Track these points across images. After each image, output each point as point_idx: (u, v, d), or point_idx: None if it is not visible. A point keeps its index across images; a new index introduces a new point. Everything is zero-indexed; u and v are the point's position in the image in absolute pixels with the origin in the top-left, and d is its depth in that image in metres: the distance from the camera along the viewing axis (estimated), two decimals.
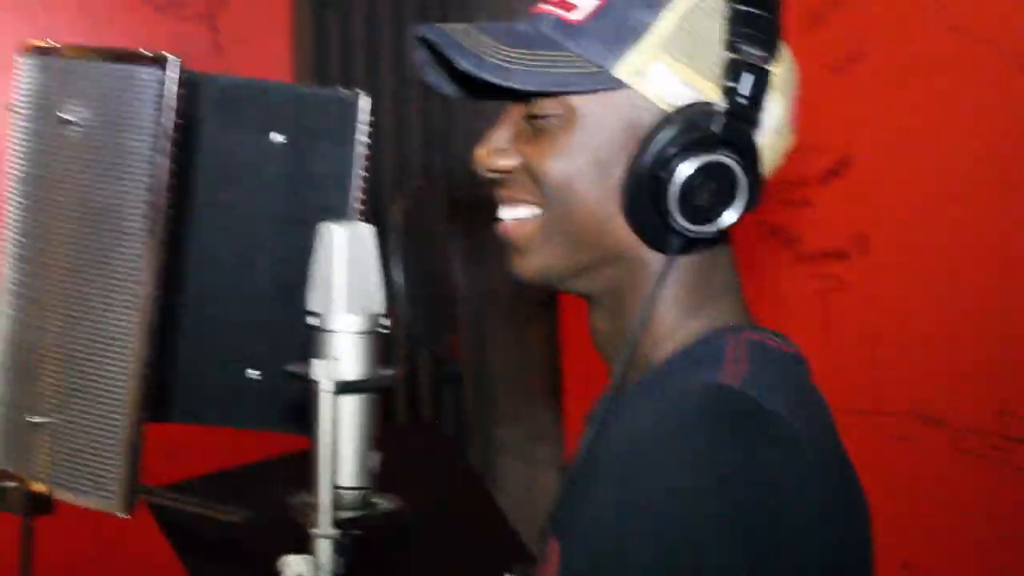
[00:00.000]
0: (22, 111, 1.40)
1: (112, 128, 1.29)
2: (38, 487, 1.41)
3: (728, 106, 1.14)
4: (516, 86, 1.16)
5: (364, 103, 1.46)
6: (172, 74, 1.26)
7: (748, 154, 1.16)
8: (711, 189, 1.14)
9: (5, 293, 1.44)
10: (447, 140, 3.85)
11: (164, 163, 1.27)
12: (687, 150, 1.14)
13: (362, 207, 1.48)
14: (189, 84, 1.29)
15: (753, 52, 1.14)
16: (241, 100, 1.45)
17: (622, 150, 1.17)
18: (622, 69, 1.16)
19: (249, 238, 1.48)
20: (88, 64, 1.32)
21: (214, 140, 1.44)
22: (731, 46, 1.15)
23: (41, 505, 1.46)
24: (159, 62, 1.27)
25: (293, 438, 1.53)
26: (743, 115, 1.15)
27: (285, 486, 1.14)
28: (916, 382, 2.74)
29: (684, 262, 1.20)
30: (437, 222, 1.43)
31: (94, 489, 1.33)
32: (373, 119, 1.48)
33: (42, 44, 1.38)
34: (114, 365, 1.31)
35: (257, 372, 1.50)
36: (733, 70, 1.14)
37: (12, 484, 1.43)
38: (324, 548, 1.09)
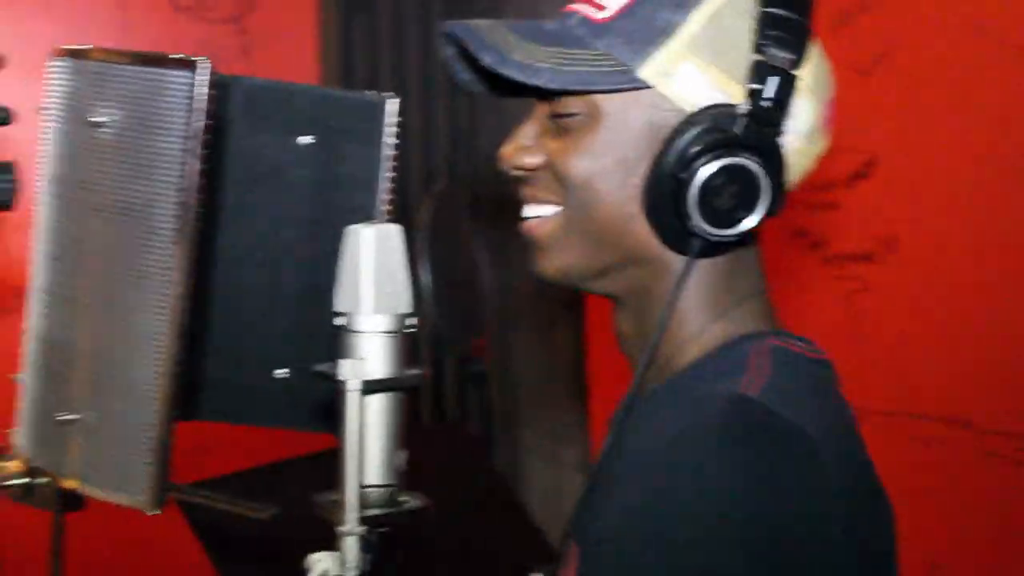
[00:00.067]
0: (54, 113, 1.42)
1: (142, 130, 1.30)
2: (69, 484, 1.42)
3: (751, 108, 1.13)
4: (539, 83, 1.16)
5: (392, 105, 1.47)
6: (202, 77, 1.27)
7: (771, 158, 1.15)
8: (732, 192, 1.14)
9: (37, 293, 1.45)
10: (473, 141, 3.86)
11: (194, 164, 1.28)
12: (708, 152, 1.13)
13: (389, 208, 1.49)
14: (218, 86, 1.30)
15: (780, 54, 1.13)
16: (269, 102, 1.45)
17: (646, 150, 1.16)
18: (647, 69, 1.15)
19: (277, 239, 1.48)
20: (119, 67, 1.33)
21: (242, 142, 1.44)
22: (757, 48, 1.14)
23: (72, 502, 1.47)
24: (189, 65, 1.27)
25: (320, 437, 1.54)
26: (766, 118, 1.14)
27: (312, 484, 1.15)
28: (943, 384, 2.73)
29: (708, 265, 1.20)
30: (463, 223, 1.43)
31: (125, 486, 1.34)
32: (400, 120, 1.48)
33: (74, 48, 1.39)
34: (145, 363, 1.31)
35: (285, 371, 1.51)
36: (758, 72, 1.13)
37: (43, 480, 1.44)
38: (351, 545, 1.10)
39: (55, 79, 1.41)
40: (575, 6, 1.21)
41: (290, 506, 1.40)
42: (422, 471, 1.18)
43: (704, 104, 1.15)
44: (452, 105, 3.83)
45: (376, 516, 1.11)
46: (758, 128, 1.14)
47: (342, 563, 1.10)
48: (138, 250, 1.31)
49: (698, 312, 1.21)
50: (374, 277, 1.11)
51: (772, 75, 1.13)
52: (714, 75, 1.15)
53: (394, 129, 1.48)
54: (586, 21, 1.19)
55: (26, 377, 1.48)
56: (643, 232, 1.18)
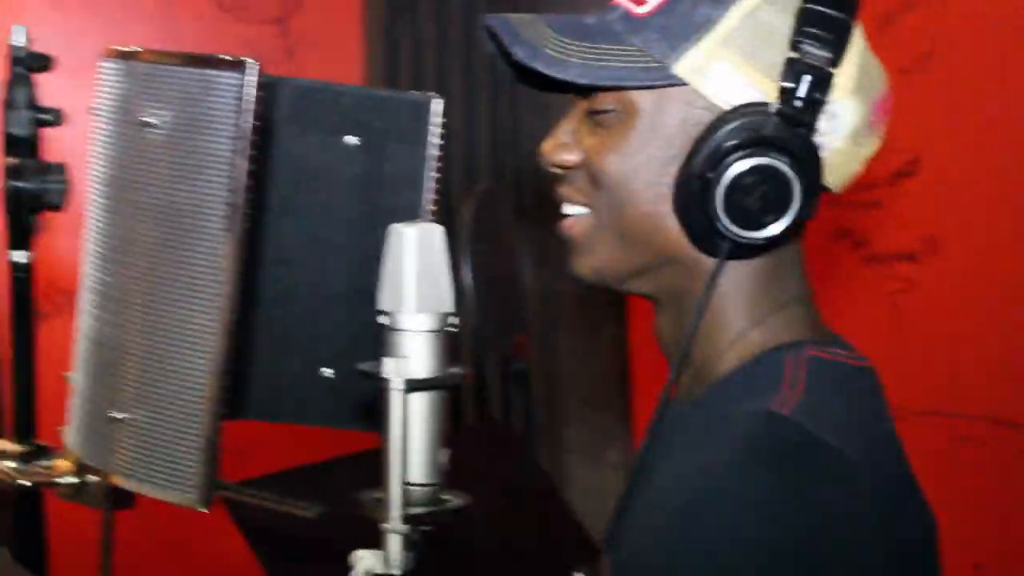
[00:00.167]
0: (104, 114, 1.43)
1: (192, 130, 1.31)
2: (119, 481, 1.44)
3: (780, 108, 1.10)
4: (569, 78, 1.14)
5: (436, 106, 1.47)
6: (251, 78, 1.28)
7: (804, 159, 1.12)
8: (761, 193, 1.11)
9: (87, 292, 1.47)
10: (516, 141, 3.87)
11: (243, 164, 1.29)
12: (736, 152, 1.11)
13: (433, 207, 1.50)
14: (266, 87, 1.31)
15: (816, 52, 1.10)
16: (316, 103, 1.46)
17: (679, 149, 1.14)
18: (682, 66, 1.13)
19: (323, 238, 1.49)
20: (169, 68, 1.34)
21: (289, 142, 1.45)
22: (794, 45, 1.11)
23: (122, 499, 1.49)
24: (238, 66, 1.29)
25: (361, 437, 1.55)
26: (798, 118, 1.11)
27: (355, 484, 1.15)
28: (988, 384, 2.72)
29: (745, 268, 1.17)
30: (505, 223, 1.44)
31: (174, 484, 1.35)
32: (444, 120, 1.49)
33: (124, 49, 1.40)
34: (194, 362, 1.32)
35: (330, 371, 1.52)
36: (791, 70, 1.10)
37: (94, 478, 1.45)
38: (394, 543, 1.10)
39: (105, 80, 1.42)
40: (618, 0, 1.19)
41: (334, 505, 1.41)
42: (464, 470, 1.19)
43: (738, 102, 1.13)
44: (494, 104, 3.83)
45: (419, 514, 1.11)
46: (790, 128, 1.11)
47: (385, 561, 1.10)
48: (187, 250, 1.32)
49: (736, 317, 1.19)
50: (417, 276, 1.11)
51: (806, 73, 1.10)
52: (749, 73, 1.12)
53: (439, 129, 1.48)
54: (626, 15, 1.17)
55: (76, 376, 1.49)
56: (675, 232, 1.16)
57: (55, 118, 1.58)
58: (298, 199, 1.47)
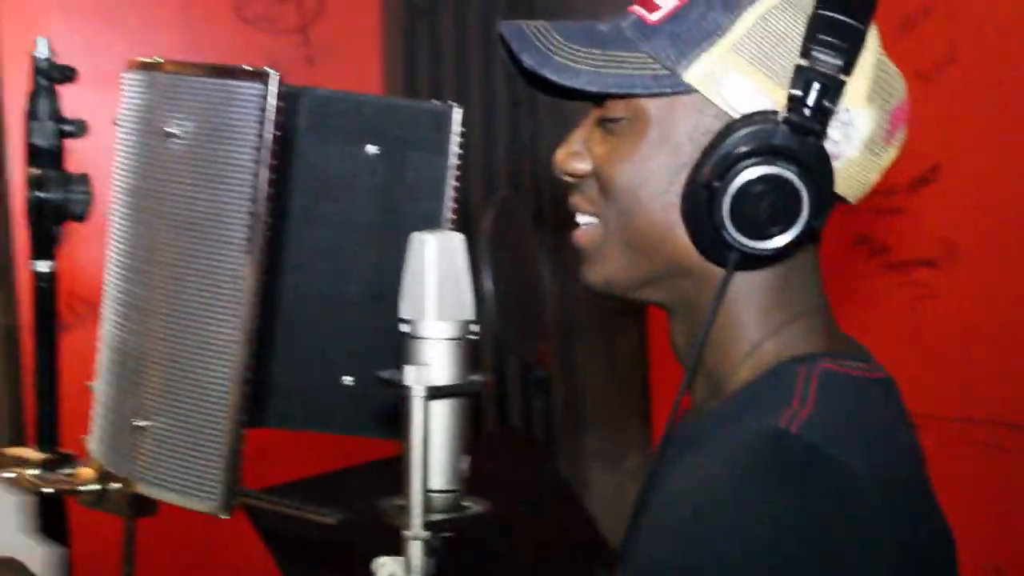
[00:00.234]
0: (127, 125, 1.44)
1: (214, 140, 1.32)
2: (141, 489, 1.44)
3: (788, 116, 1.08)
4: (577, 86, 1.14)
5: (456, 115, 1.48)
6: (272, 88, 1.29)
7: (813, 168, 1.09)
8: (768, 203, 1.09)
9: (110, 301, 1.48)
10: (534, 149, 3.88)
11: (265, 174, 1.30)
12: (742, 160, 1.09)
13: (453, 216, 1.50)
14: (287, 97, 1.32)
15: (827, 60, 1.08)
16: (337, 112, 1.47)
17: (688, 157, 1.13)
18: (691, 73, 1.12)
19: (344, 247, 1.49)
20: (191, 79, 1.35)
21: (310, 151, 1.46)
22: (805, 52, 1.09)
23: (144, 507, 1.49)
24: (260, 77, 1.30)
25: (377, 445, 1.56)
26: (806, 126, 1.08)
27: (374, 491, 1.16)
28: (1007, 390, 2.71)
29: (756, 278, 1.16)
30: (525, 230, 1.44)
31: (196, 491, 1.36)
32: (463, 129, 1.49)
33: (147, 60, 1.42)
34: (216, 370, 1.33)
35: (351, 378, 1.52)
36: (801, 78, 1.08)
37: (116, 486, 1.46)
38: (415, 550, 1.10)
39: (128, 91, 1.43)
40: (634, 7, 1.18)
41: (353, 512, 1.41)
42: (485, 477, 1.19)
43: (748, 110, 1.11)
44: (513, 112, 3.84)
45: (440, 521, 1.11)
46: (798, 137, 1.08)
47: (407, 567, 1.11)
48: (209, 259, 1.33)
49: (750, 328, 1.17)
50: (438, 284, 1.11)
51: (816, 81, 1.07)
52: (760, 80, 1.10)
53: (459, 138, 1.48)
54: (638, 23, 1.16)
55: (99, 385, 1.50)
56: (684, 241, 1.15)
57: (78, 129, 1.59)
58: (319, 208, 1.48)
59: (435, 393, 1.10)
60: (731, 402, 1.16)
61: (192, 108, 1.35)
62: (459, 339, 1.12)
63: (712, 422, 1.16)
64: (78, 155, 1.65)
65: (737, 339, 1.17)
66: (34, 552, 1.41)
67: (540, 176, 3.83)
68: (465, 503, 1.14)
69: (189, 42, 3.38)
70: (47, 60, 1.59)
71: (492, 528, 1.17)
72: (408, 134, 1.48)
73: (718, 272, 1.14)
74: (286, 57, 3.46)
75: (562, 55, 1.15)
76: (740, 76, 1.11)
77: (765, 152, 1.09)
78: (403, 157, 1.48)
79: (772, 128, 1.09)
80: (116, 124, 1.46)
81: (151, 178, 1.41)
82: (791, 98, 1.08)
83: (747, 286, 1.16)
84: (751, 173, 1.09)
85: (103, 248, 1.49)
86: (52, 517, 1.62)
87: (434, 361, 1.11)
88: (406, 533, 1.10)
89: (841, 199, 1.16)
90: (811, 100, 1.07)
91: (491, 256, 1.30)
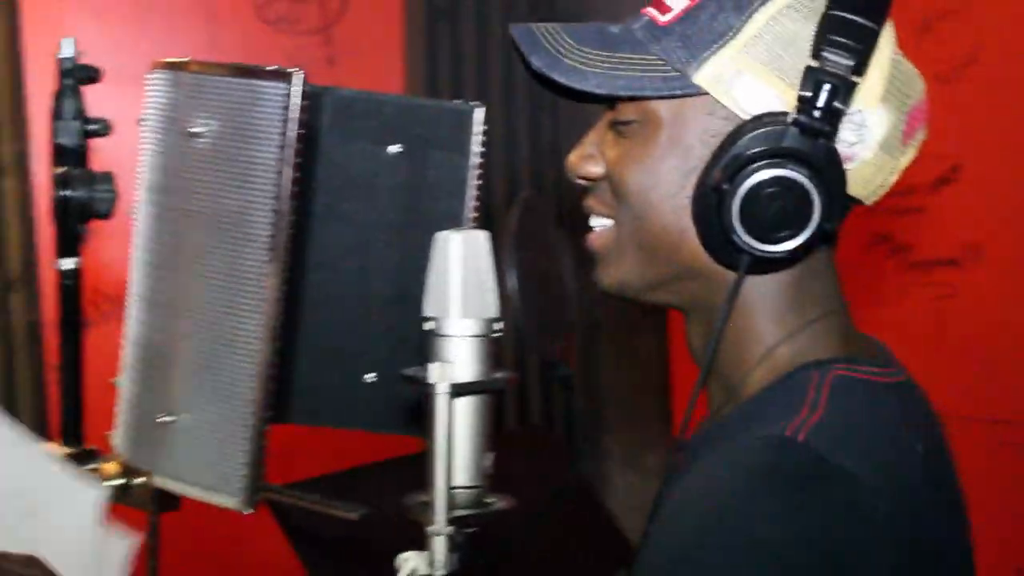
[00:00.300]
0: (152, 124, 1.45)
1: (238, 139, 1.33)
2: (165, 484, 1.45)
3: (797, 117, 1.06)
4: (587, 89, 1.13)
5: (479, 114, 1.48)
6: (297, 88, 1.30)
7: (824, 170, 1.07)
8: (778, 206, 1.07)
9: (135, 298, 1.49)
10: (556, 148, 3.88)
11: (289, 172, 1.31)
12: (752, 163, 1.07)
13: (475, 215, 1.50)
14: (311, 96, 1.33)
15: (838, 60, 1.06)
16: (359, 112, 1.47)
17: (699, 160, 1.12)
18: (702, 75, 1.10)
19: (366, 245, 1.50)
20: (216, 79, 1.36)
21: (333, 151, 1.46)
22: (815, 53, 1.07)
23: (167, 502, 1.50)
24: (284, 77, 1.30)
25: (398, 442, 1.56)
26: (815, 128, 1.06)
27: (396, 488, 1.16)
28: None
29: (772, 281, 1.15)
30: (549, 230, 1.44)
31: (219, 486, 1.37)
32: (485, 129, 1.49)
33: (172, 60, 1.43)
34: (240, 367, 1.34)
35: (373, 375, 1.53)
36: (811, 79, 1.06)
37: (140, 481, 1.47)
38: (439, 545, 1.10)
39: (153, 91, 1.44)
40: (647, 8, 1.17)
41: (376, 508, 1.42)
42: (506, 475, 1.19)
43: (759, 112, 1.09)
44: (534, 112, 3.85)
45: (464, 517, 1.12)
46: (808, 139, 1.06)
47: (430, 562, 1.11)
48: (233, 256, 1.34)
49: (765, 331, 1.15)
50: (462, 282, 1.12)
51: (826, 82, 1.05)
52: (771, 81, 1.09)
53: (481, 137, 1.49)
54: (650, 24, 1.15)
55: (124, 381, 1.51)
56: (696, 245, 1.13)
57: (103, 128, 1.60)
58: (341, 207, 1.48)
59: (459, 390, 1.10)
60: (744, 407, 1.15)
61: (217, 107, 1.36)
62: (483, 337, 1.12)
63: (726, 426, 1.15)
64: (102, 154, 1.66)
65: (751, 343, 1.16)
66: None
67: (562, 176, 3.82)
68: (488, 499, 1.14)
69: (211, 42, 3.39)
70: (72, 60, 1.60)
71: (513, 525, 1.17)
72: (430, 133, 1.49)
73: (730, 275, 1.13)
74: (307, 57, 3.47)
75: (572, 58, 1.14)
76: (751, 77, 1.09)
77: (774, 154, 1.07)
78: (425, 156, 1.49)
79: (782, 130, 1.07)
80: (141, 123, 1.47)
81: (176, 177, 1.42)
82: (800, 99, 1.06)
83: (761, 289, 1.15)
84: (760, 176, 1.07)
85: (127, 246, 1.50)
86: None
87: (458, 358, 1.11)
88: (430, 528, 1.10)
89: (856, 200, 1.15)
90: (821, 101, 1.05)
91: (515, 255, 1.29)
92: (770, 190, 1.07)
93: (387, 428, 1.55)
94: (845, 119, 1.08)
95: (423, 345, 1.13)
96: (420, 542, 1.11)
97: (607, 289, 1.22)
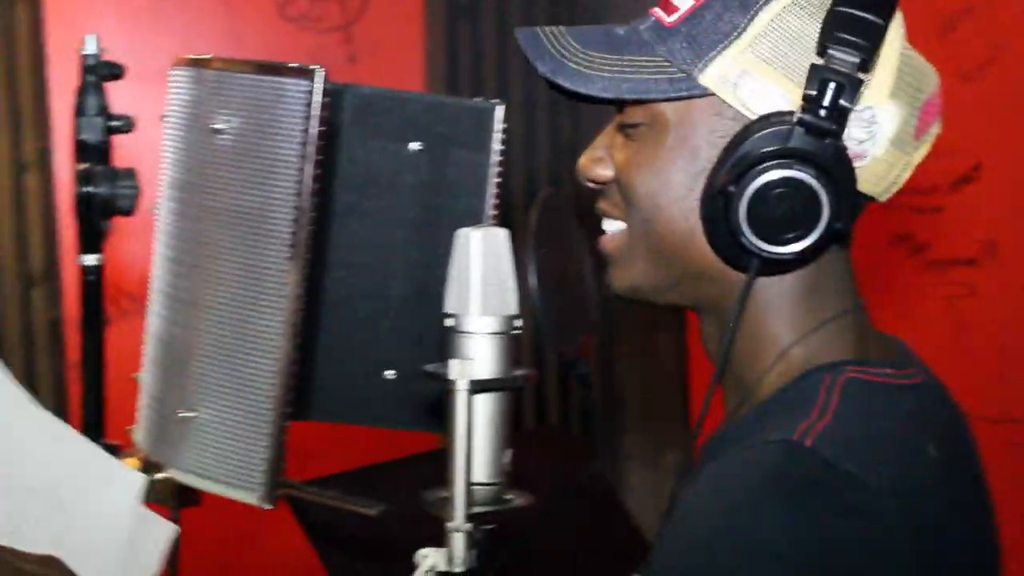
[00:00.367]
0: (174, 120, 1.46)
1: (260, 136, 1.34)
2: (185, 479, 1.46)
3: (802, 116, 1.05)
4: (592, 92, 1.12)
5: (499, 112, 1.48)
6: (319, 85, 1.31)
7: (831, 169, 1.06)
8: (786, 207, 1.06)
9: (157, 293, 1.50)
10: (575, 146, 3.88)
11: (310, 169, 1.31)
12: (758, 163, 1.06)
13: (495, 212, 1.51)
14: (332, 94, 1.33)
15: (844, 57, 1.04)
16: (380, 109, 1.47)
17: (707, 161, 1.10)
18: (707, 75, 1.09)
19: (387, 243, 1.50)
20: (238, 75, 1.37)
21: (354, 148, 1.46)
22: (821, 50, 1.05)
23: (188, 497, 1.51)
24: (306, 74, 1.31)
25: (417, 439, 1.56)
26: (821, 127, 1.04)
27: (414, 484, 1.17)
28: None
29: (784, 282, 1.13)
30: (569, 229, 1.44)
31: (240, 482, 1.38)
32: (505, 127, 1.49)
33: (195, 57, 1.43)
34: (261, 363, 1.35)
35: (393, 372, 1.53)
36: (816, 77, 1.04)
37: (161, 476, 1.48)
38: (458, 541, 1.11)
39: (176, 87, 1.45)
40: (655, 8, 1.16)
41: (395, 504, 1.42)
42: (524, 472, 1.19)
43: (766, 111, 1.08)
44: (554, 110, 3.85)
45: (483, 513, 1.12)
46: (815, 138, 1.05)
47: (449, 559, 1.11)
48: (254, 253, 1.35)
49: (779, 332, 1.14)
50: (482, 279, 1.12)
51: (831, 80, 1.03)
52: (778, 80, 1.07)
53: (501, 135, 1.49)
54: (657, 24, 1.14)
55: (145, 376, 1.52)
56: (706, 247, 1.12)
57: (126, 125, 1.61)
58: (362, 204, 1.49)
59: (479, 387, 1.10)
60: (758, 409, 1.14)
61: (239, 104, 1.36)
62: (503, 334, 1.13)
63: (740, 428, 1.14)
64: (125, 150, 1.67)
65: (765, 344, 1.15)
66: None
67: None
68: (507, 496, 1.15)
69: (232, 40, 3.40)
70: (95, 57, 1.61)
71: (531, 523, 1.17)
72: (451, 131, 1.49)
73: (742, 277, 1.12)
74: (328, 55, 3.48)
75: (576, 61, 1.13)
76: (757, 77, 1.08)
77: (780, 155, 1.05)
78: (446, 154, 1.49)
79: (788, 130, 1.05)
80: (163, 120, 1.48)
81: (198, 173, 1.42)
82: (806, 98, 1.05)
83: (773, 291, 1.14)
84: (766, 176, 1.06)
85: (148, 243, 1.51)
86: None
87: (478, 355, 1.12)
88: (449, 525, 1.10)
89: (869, 197, 1.13)
90: (826, 100, 1.04)
91: (536, 254, 1.30)
92: (777, 191, 1.06)
93: (406, 424, 1.56)
94: (854, 116, 1.07)
95: (443, 342, 1.14)
96: (439, 538, 1.12)
97: (620, 292, 1.21)
